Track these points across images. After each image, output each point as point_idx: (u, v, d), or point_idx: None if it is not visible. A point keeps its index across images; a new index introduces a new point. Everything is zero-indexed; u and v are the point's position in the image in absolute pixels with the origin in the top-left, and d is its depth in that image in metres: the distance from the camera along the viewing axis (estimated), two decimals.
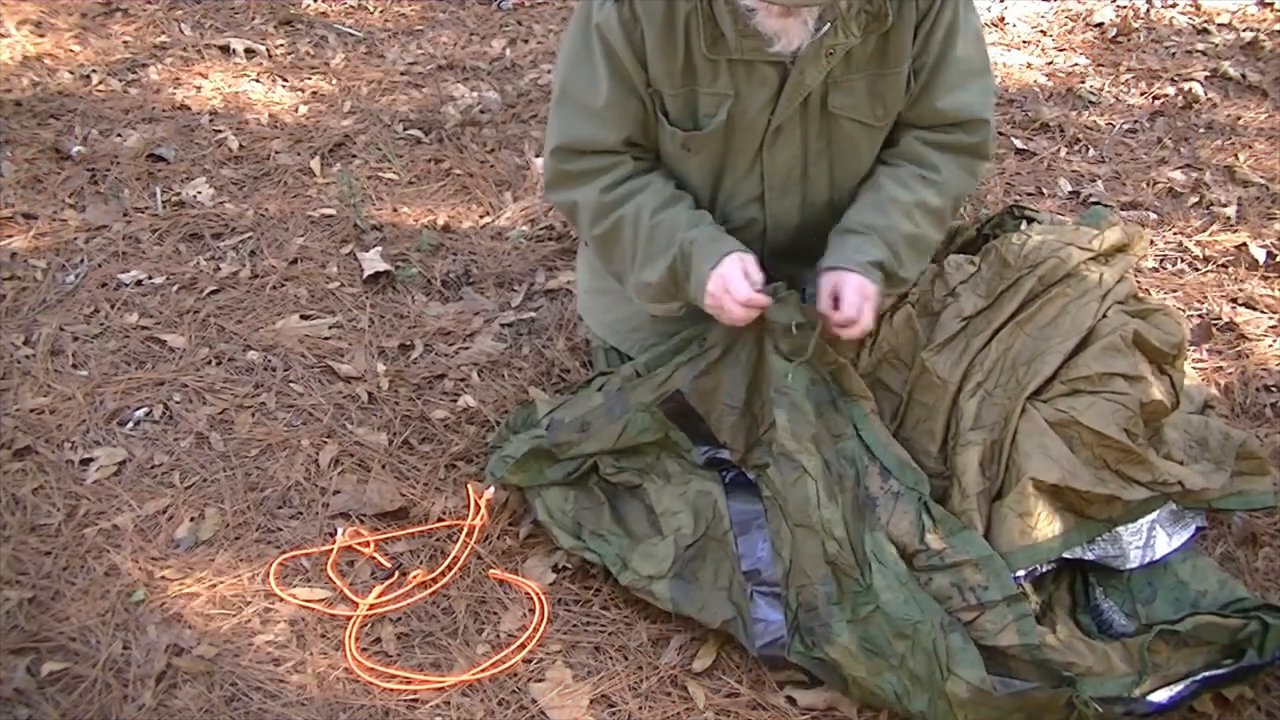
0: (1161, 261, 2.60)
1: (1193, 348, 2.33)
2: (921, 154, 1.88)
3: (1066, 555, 1.76)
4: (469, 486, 2.01)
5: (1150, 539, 1.79)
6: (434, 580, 1.88)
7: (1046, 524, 1.74)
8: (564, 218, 1.99)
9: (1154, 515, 1.79)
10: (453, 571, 1.89)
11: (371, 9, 3.71)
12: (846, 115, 1.82)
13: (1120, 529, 1.77)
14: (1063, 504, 1.75)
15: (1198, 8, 3.72)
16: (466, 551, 1.92)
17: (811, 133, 1.84)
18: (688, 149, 1.84)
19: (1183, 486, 1.78)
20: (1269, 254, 2.59)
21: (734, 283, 1.75)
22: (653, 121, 1.83)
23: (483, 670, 1.74)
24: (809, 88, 1.77)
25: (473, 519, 1.96)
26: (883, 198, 1.85)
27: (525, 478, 1.93)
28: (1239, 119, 3.15)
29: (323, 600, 1.85)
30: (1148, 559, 1.79)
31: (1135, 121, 3.16)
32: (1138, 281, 2.33)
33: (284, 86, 3.27)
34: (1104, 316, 1.86)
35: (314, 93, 3.25)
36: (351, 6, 3.71)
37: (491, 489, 1.97)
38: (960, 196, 1.93)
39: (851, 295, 1.76)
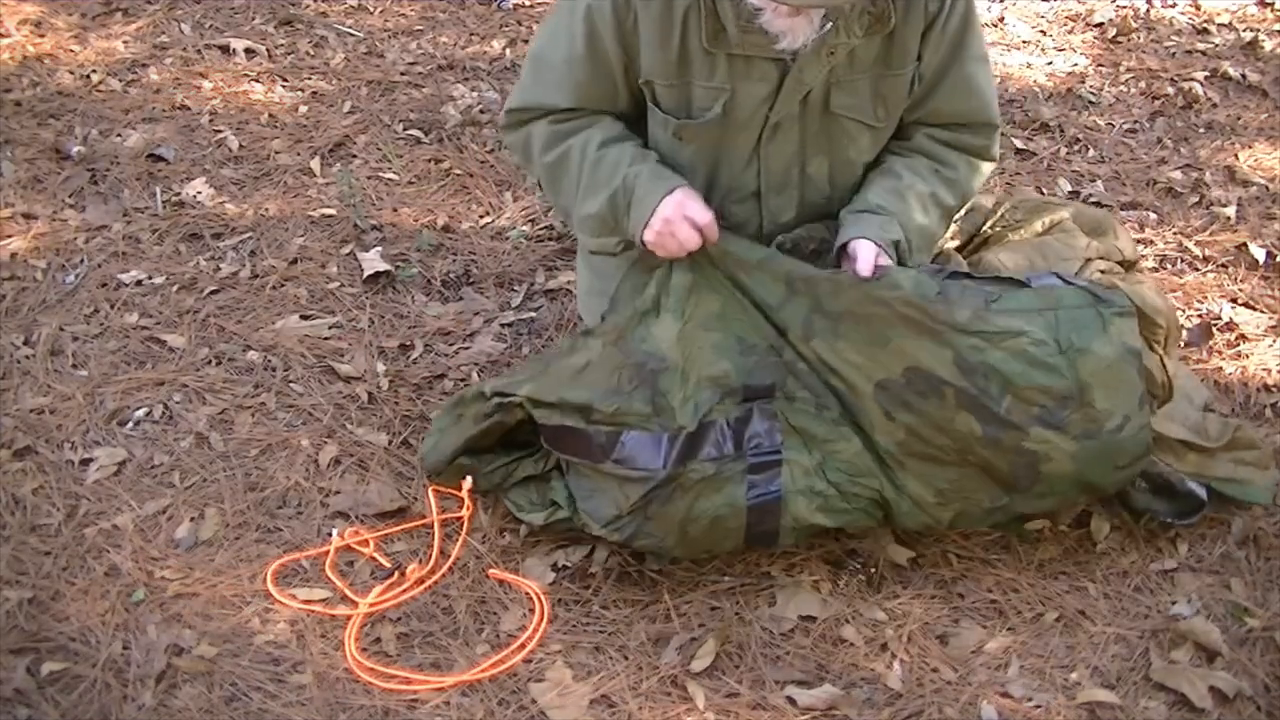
0: (1161, 261, 2.60)
1: (1193, 348, 2.33)
2: (935, 150, 1.90)
3: None
4: (463, 482, 2.00)
5: None
6: (430, 574, 1.88)
7: None
8: (518, 160, 2.05)
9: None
10: (446, 564, 1.90)
11: (371, 9, 3.71)
12: (848, 115, 1.83)
13: None
14: None
15: (1198, 8, 3.72)
16: (459, 545, 1.92)
17: (810, 131, 1.84)
18: (680, 138, 1.84)
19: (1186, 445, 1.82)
20: (1269, 254, 2.60)
21: (692, 207, 1.76)
22: (618, 106, 1.85)
23: (483, 670, 1.74)
24: (808, 86, 1.77)
25: (460, 511, 1.97)
26: (901, 185, 1.86)
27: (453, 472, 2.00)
28: (1239, 119, 3.15)
29: (322, 600, 1.85)
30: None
31: (1135, 121, 3.16)
32: None
33: (284, 86, 3.27)
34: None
35: (314, 93, 3.24)
36: (351, 6, 3.71)
37: (469, 479, 1.98)
38: (967, 198, 1.95)
39: (867, 254, 1.77)
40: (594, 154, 1.82)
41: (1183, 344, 2.32)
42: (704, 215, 1.76)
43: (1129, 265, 2.03)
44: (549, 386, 1.85)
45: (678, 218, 1.75)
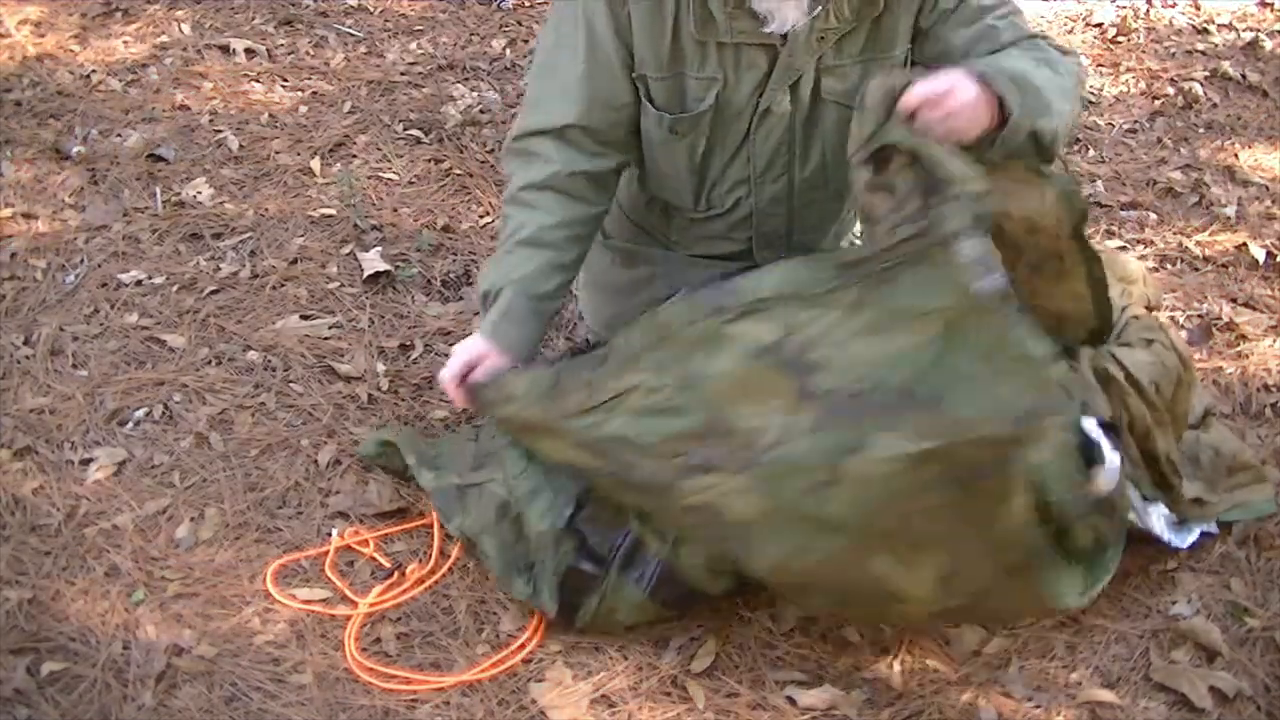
0: (1161, 261, 2.60)
1: (1193, 348, 2.33)
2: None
3: None
4: None
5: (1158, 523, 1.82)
6: (430, 574, 1.88)
7: None
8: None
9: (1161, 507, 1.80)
10: (446, 564, 1.90)
11: (371, 9, 3.71)
12: (839, 101, 1.82)
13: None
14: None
15: (1198, 8, 3.72)
16: (459, 544, 1.92)
17: (800, 119, 1.84)
18: (676, 132, 1.83)
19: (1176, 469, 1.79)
20: (1269, 254, 2.60)
21: (480, 364, 1.78)
22: (623, 105, 1.82)
23: (483, 670, 1.74)
24: (798, 71, 1.77)
25: None
26: (994, 57, 1.65)
27: (383, 460, 2.05)
28: (1239, 119, 3.15)
29: (322, 600, 1.85)
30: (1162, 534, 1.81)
31: (1135, 121, 3.16)
32: None
33: (284, 86, 3.27)
34: (1124, 325, 1.88)
35: (314, 93, 3.24)
36: (351, 6, 3.71)
37: None
38: (1077, 79, 1.70)
39: (947, 77, 1.52)
40: (508, 243, 1.83)
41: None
42: (479, 376, 1.78)
43: (1149, 311, 2.05)
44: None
45: (464, 357, 1.80)
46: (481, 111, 3.15)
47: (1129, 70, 3.39)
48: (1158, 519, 1.80)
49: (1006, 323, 1.42)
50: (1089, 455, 1.52)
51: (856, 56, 1.79)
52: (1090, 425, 1.55)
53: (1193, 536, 1.86)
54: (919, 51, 1.82)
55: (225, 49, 3.43)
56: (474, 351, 1.81)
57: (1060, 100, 1.60)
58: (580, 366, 1.64)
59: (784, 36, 1.73)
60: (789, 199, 1.92)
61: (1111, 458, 1.52)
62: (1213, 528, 1.89)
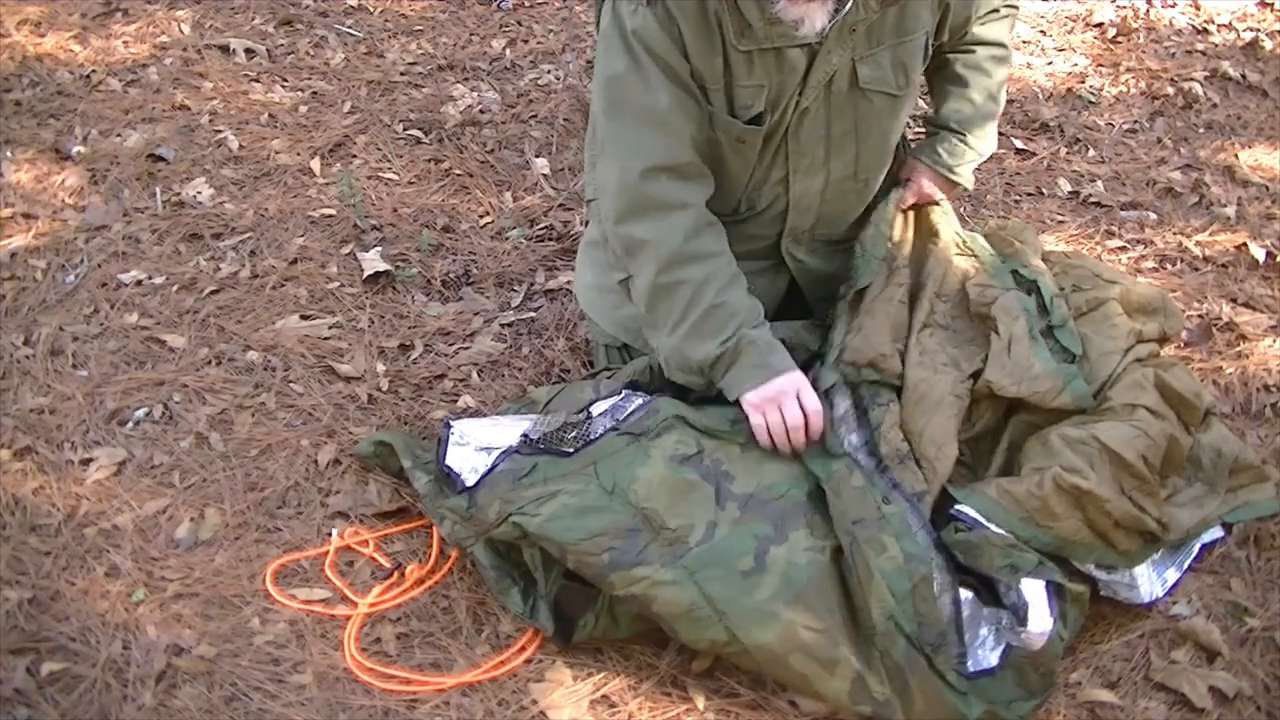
0: (1161, 261, 2.60)
1: (1193, 348, 2.33)
2: (991, 34, 2.04)
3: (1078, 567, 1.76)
4: None
5: (1151, 577, 1.81)
6: (430, 574, 1.88)
7: (1068, 518, 1.73)
8: (618, 250, 1.89)
9: (1156, 557, 1.81)
10: (446, 564, 1.90)
11: (371, 9, 3.71)
12: (874, 89, 1.86)
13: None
14: (1084, 517, 1.74)
15: (1198, 8, 3.72)
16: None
17: (835, 112, 1.86)
18: (743, 141, 1.84)
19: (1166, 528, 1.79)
20: (1269, 254, 2.59)
21: (808, 394, 1.81)
22: (703, 119, 1.82)
23: (483, 670, 1.74)
24: (835, 67, 1.80)
25: None
26: (971, 91, 2.05)
27: (380, 461, 2.05)
28: (1239, 119, 3.15)
29: (322, 601, 1.85)
30: (1154, 596, 1.80)
31: (1135, 121, 3.16)
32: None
33: (284, 86, 3.27)
34: (1121, 370, 1.87)
35: (314, 93, 3.24)
36: (351, 6, 3.71)
37: None
38: (1009, 55, 2.13)
39: (920, 192, 2.07)
40: (710, 298, 1.81)
41: (1183, 344, 2.33)
42: (815, 402, 1.81)
43: (1163, 340, 2.04)
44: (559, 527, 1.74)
45: (791, 395, 1.80)
46: (481, 111, 3.15)
47: (1129, 70, 3.39)
48: (1145, 574, 1.79)
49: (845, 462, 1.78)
50: (1020, 615, 1.65)
51: (885, 42, 1.83)
52: (1032, 588, 1.66)
53: (1190, 556, 1.86)
54: (940, 25, 1.92)
55: (225, 49, 3.43)
56: (797, 385, 1.81)
57: (994, 121, 2.11)
58: (497, 481, 1.78)
59: (820, 35, 1.74)
60: (822, 195, 1.95)
61: (1040, 621, 1.63)
62: (1218, 532, 1.89)
